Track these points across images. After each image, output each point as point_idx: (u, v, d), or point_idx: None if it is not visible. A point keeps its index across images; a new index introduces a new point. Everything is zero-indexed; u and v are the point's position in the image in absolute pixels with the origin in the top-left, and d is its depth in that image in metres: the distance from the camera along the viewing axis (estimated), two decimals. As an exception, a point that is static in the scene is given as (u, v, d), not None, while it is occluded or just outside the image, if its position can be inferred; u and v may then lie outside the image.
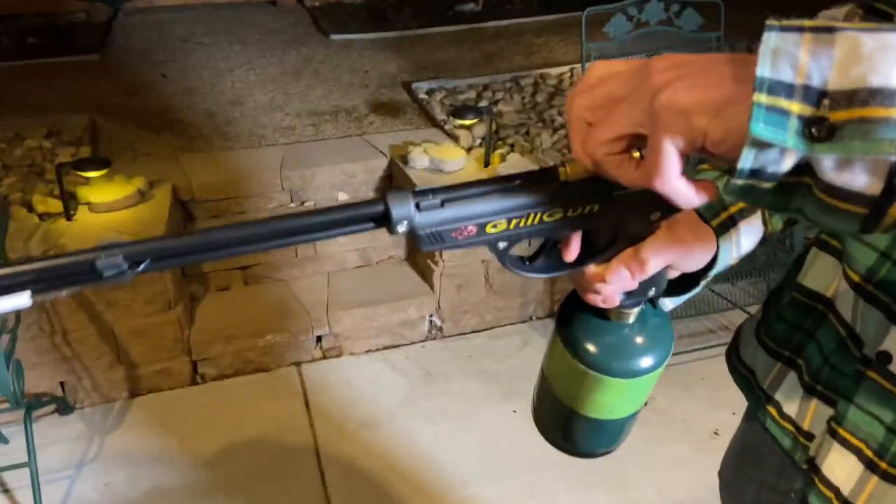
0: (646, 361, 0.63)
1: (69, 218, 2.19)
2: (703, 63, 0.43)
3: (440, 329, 2.53)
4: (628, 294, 0.61)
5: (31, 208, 2.24)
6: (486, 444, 2.12)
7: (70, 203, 2.22)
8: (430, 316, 2.51)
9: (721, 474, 0.92)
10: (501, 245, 0.54)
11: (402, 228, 0.49)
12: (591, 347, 0.62)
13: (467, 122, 2.45)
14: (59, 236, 2.12)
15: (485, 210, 0.51)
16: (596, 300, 0.60)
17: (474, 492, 1.98)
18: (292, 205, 2.58)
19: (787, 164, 0.41)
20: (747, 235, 0.68)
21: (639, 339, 0.63)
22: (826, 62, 0.38)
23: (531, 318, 2.62)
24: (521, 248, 0.58)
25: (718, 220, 0.66)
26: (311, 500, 1.94)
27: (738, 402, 0.83)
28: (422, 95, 3.18)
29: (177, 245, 0.47)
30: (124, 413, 2.21)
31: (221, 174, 2.55)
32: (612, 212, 0.53)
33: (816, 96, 0.38)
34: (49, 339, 2.10)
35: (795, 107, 0.38)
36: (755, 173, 0.41)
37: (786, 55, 0.38)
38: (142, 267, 0.45)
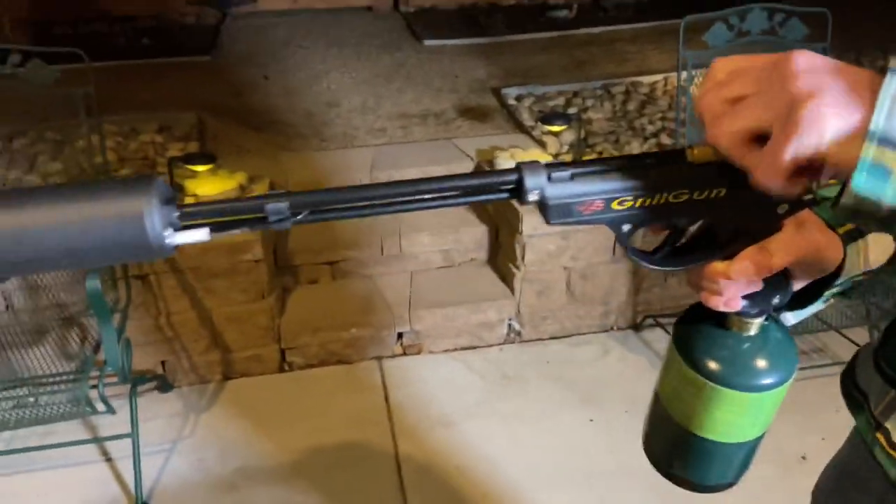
0: (768, 377, 0.60)
1: (176, 209, 2.34)
2: (847, 81, 0.43)
3: (519, 333, 2.56)
4: (751, 300, 0.58)
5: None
6: (560, 451, 2.13)
7: (177, 194, 2.37)
8: (510, 319, 2.53)
9: (815, 496, 0.91)
10: (626, 227, 0.55)
11: (532, 198, 0.52)
12: (711, 358, 0.60)
13: (555, 129, 2.46)
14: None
15: (613, 187, 0.53)
16: (717, 302, 0.58)
17: (545, 498, 1.99)
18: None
19: (886, 208, 0.41)
20: (877, 246, 0.65)
21: (761, 353, 0.60)
22: None
23: (612, 329, 2.61)
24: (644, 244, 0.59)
25: (845, 229, 0.63)
26: (387, 493, 2.01)
27: (828, 428, 0.83)
28: (510, 101, 3.21)
29: (333, 198, 0.51)
30: (217, 394, 2.34)
31: (316, 172, 2.66)
32: (738, 199, 0.53)
33: None
34: (154, 320, 2.26)
35: None
36: (860, 205, 0.42)
37: None
38: (301, 216, 0.50)
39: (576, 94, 3.26)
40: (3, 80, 1.84)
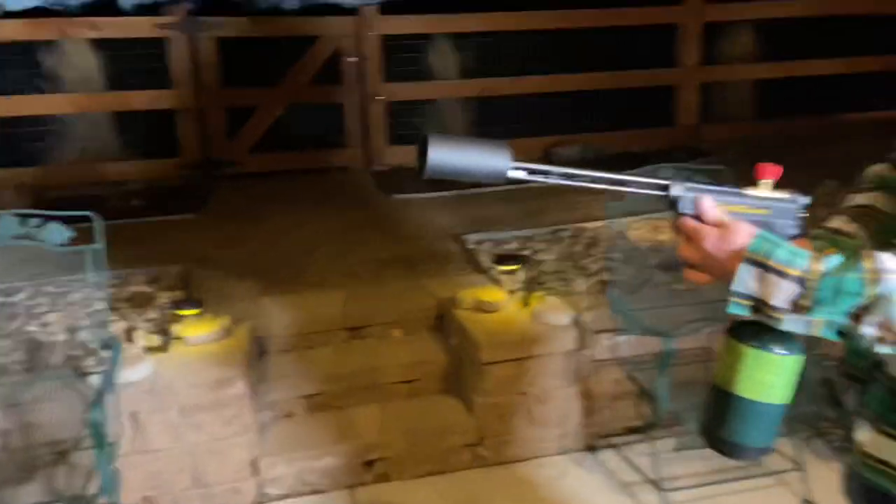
0: (791, 348, 0.93)
1: (165, 350, 2.56)
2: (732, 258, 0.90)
3: (483, 457, 2.72)
4: None
5: (132, 341, 2.64)
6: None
7: (166, 338, 2.61)
8: (474, 444, 2.71)
9: None
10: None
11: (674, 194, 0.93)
12: (753, 334, 0.93)
13: (508, 268, 2.78)
14: (157, 365, 2.48)
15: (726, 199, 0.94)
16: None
17: None
18: (354, 340, 2.92)
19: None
20: None
21: (783, 335, 0.91)
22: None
23: (569, 451, 2.79)
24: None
25: None
26: None
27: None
28: (471, 246, 3.57)
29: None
30: (196, 527, 2.44)
31: (292, 313, 2.92)
32: None
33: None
34: (141, 455, 2.40)
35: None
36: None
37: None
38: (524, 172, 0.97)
39: (529, 238, 3.63)
40: (20, 240, 2.12)
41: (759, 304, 0.88)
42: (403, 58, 5.11)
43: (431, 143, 0.85)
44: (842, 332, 0.86)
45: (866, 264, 0.84)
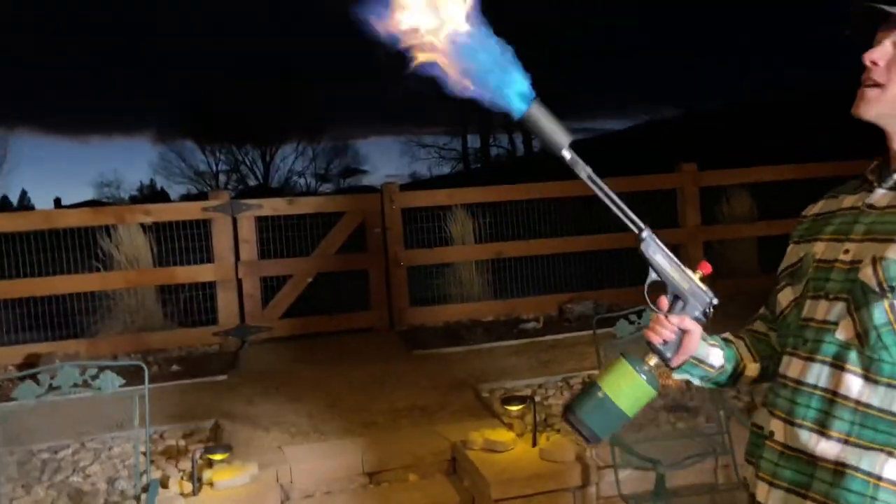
0: (651, 381, 1.19)
1: (195, 493, 2.75)
2: None
3: None
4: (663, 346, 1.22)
5: (166, 487, 2.83)
6: None
7: (197, 484, 2.80)
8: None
9: None
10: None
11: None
12: (636, 360, 1.21)
13: (514, 408, 2.97)
14: (186, 508, 2.66)
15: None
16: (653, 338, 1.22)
17: None
18: (371, 485, 3.06)
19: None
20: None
21: (648, 367, 1.21)
22: None
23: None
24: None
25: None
26: None
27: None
28: (484, 394, 3.76)
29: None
30: None
31: (314, 461, 3.10)
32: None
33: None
34: None
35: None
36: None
37: None
38: None
39: (540, 385, 3.82)
40: (77, 388, 2.41)
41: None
42: (423, 227, 5.60)
43: (536, 103, 1.12)
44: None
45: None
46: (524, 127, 1.16)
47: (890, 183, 1.18)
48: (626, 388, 1.18)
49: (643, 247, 1.20)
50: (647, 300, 1.23)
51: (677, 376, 1.30)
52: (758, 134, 12.76)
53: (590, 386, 1.21)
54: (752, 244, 6.22)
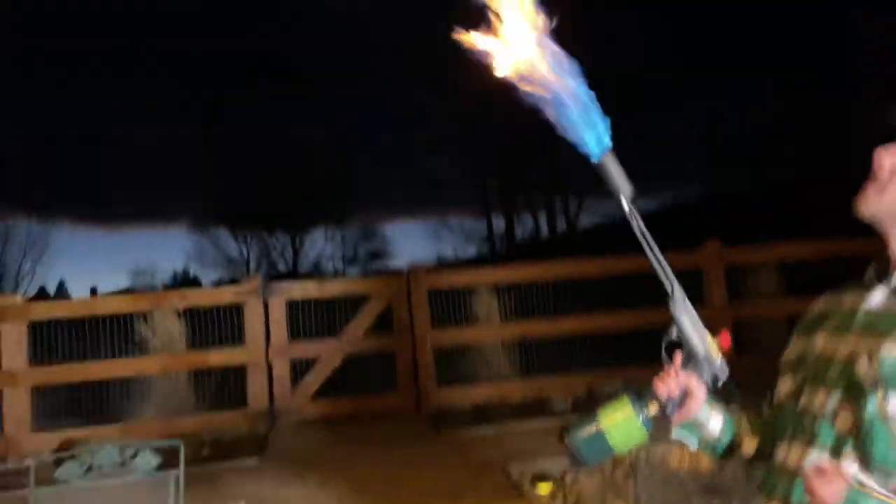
0: (647, 424, 1.24)
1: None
2: None
3: None
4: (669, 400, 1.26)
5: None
6: None
7: None
8: None
9: None
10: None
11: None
12: (636, 400, 1.25)
13: (543, 485, 2.96)
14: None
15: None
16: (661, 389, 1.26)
17: None
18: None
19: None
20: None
21: (653, 418, 1.25)
22: None
23: None
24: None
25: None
26: None
27: None
28: (514, 476, 3.73)
29: None
30: None
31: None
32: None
33: None
34: None
35: None
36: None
37: None
38: None
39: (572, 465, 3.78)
40: (115, 468, 2.48)
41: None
42: (448, 307, 5.67)
43: (610, 151, 1.21)
44: None
45: None
46: (595, 169, 1.23)
47: (888, 285, 1.22)
48: (622, 426, 1.23)
49: (672, 305, 1.26)
50: (663, 351, 1.28)
51: (677, 436, 1.34)
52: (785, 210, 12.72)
53: (591, 416, 1.27)
54: (780, 320, 6.16)
